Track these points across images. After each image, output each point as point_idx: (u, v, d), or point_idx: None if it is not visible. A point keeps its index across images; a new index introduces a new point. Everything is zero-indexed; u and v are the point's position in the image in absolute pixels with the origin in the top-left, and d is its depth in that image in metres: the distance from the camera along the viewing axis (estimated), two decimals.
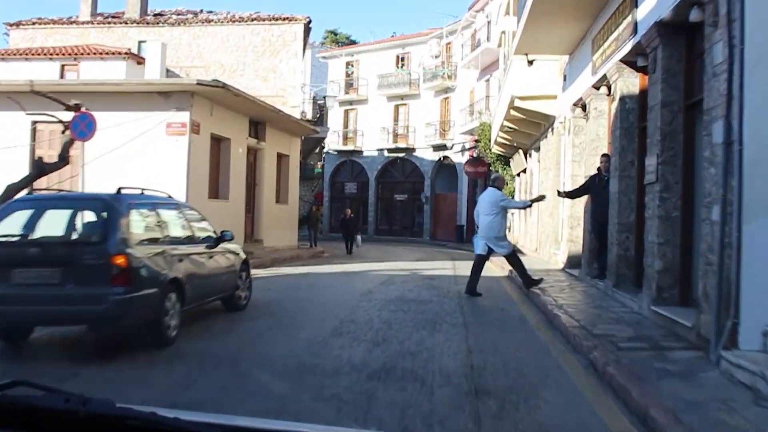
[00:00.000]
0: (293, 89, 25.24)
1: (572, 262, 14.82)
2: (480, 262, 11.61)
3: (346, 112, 46.06)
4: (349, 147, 45.03)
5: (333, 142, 46.04)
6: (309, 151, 31.94)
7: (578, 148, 14.81)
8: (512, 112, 18.73)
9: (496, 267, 18.28)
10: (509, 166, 29.41)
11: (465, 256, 24.51)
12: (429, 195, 41.33)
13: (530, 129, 20.86)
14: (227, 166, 18.59)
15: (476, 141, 33.32)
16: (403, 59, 43.41)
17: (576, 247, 14.62)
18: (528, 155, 24.55)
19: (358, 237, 23.71)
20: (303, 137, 25.40)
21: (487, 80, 34.13)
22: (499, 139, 25.03)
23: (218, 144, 18.34)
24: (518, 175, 28.30)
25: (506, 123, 20.94)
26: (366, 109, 44.69)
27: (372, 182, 44.41)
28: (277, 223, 22.51)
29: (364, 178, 45.18)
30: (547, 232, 18.41)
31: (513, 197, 29.33)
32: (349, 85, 45.75)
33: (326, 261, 20.80)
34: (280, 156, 23.16)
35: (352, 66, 45.94)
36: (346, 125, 46.09)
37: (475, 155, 34.15)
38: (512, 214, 29.42)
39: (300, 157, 28.29)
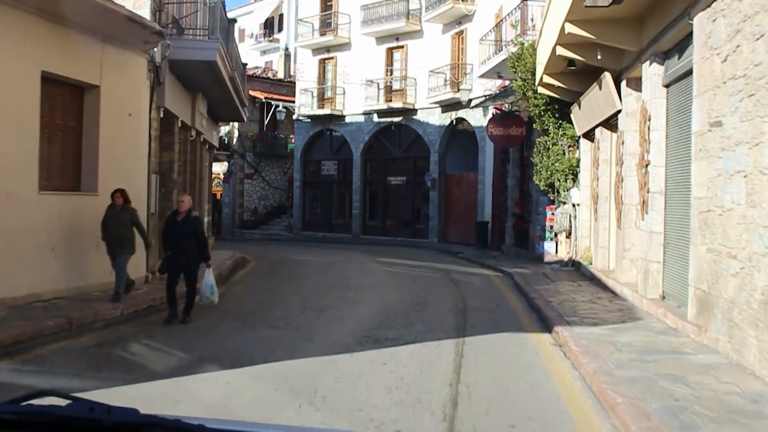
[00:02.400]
0: None
1: None
2: None
3: (322, 62, 32.99)
4: (326, 111, 31.97)
5: (305, 105, 33.06)
6: (224, 100, 18.91)
7: None
8: None
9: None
10: (569, 123, 16.31)
11: (492, 305, 9.49)
12: (437, 176, 28.23)
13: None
14: None
15: (506, 87, 20.16)
16: None
17: None
18: (622, 83, 11.37)
19: (209, 274, 10.11)
20: (156, 54, 12.34)
21: None
22: (560, 57, 11.93)
23: None
24: (588, 137, 15.17)
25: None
26: (348, 57, 31.60)
27: (357, 159, 31.35)
28: (49, 241, 9.63)
29: (346, 154, 32.14)
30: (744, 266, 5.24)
31: (576, 181, 16.32)
32: (325, 24, 32.66)
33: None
34: (60, 83, 10.24)
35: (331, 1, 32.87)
36: (322, 80, 33.06)
37: (505, 109, 21.00)
38: (576, 205, 16.39)
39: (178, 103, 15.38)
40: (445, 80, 27.06)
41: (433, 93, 27.42)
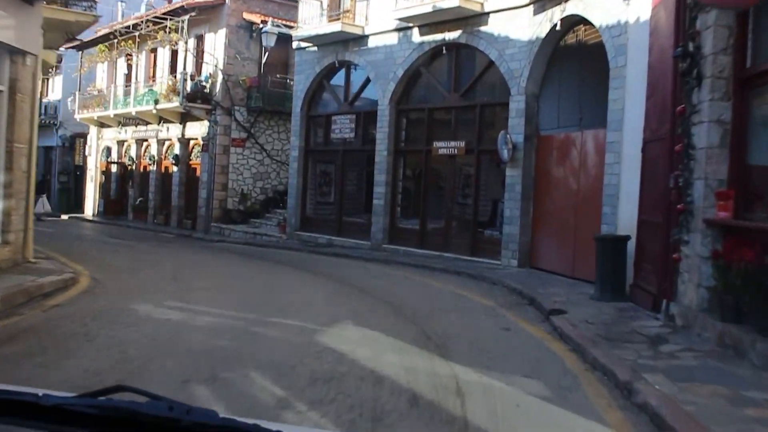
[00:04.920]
0: None
1: None
2: None
3: None
4: (336, 27, 18.67)
5: (308, 23, 19.96)
6: None
7: None
8: None
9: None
10: None
11: None
12: (521, 140, 14.42)
13: None
14: None
15: None
16: None
17: None
18: None
19: None
20: None
21: None
22: None
23: None
24: None
25: None
26: None
27: (385, 110, 17.89)
28: None
29: (369, 103, 18.85)
30: None
31: None
32: None
33: None
34: None
35: None
36: None
37: None
38: None
39: None
40: None
41: None
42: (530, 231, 14.44)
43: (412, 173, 18.15)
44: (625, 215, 10.96)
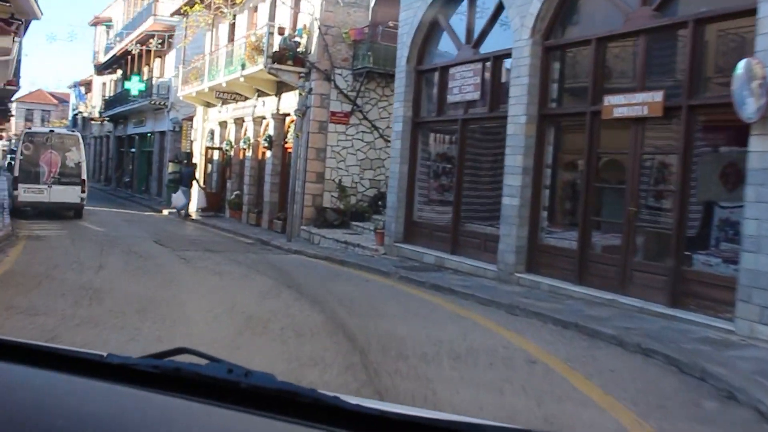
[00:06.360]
0: None
1: None
2: None
3: None
4: None
5: None
6: None
7: None
8: None
9: None
10: None
11: None
12: None
13: None
14: None
15: None
16: None
17: None
18: None
19: None
20: None
21: None
22: None
23: None
24: None
25: None
26: None
27: (524, 52, 10.78)
28: None
29: (500, 42, 11.82)
30: None
31: None
32: None
33: None
34: None
35: None
36: None
37: None
38: None
39: None
40: None
41: None
42: None
43: (568, 154, 10.97)
44: None
